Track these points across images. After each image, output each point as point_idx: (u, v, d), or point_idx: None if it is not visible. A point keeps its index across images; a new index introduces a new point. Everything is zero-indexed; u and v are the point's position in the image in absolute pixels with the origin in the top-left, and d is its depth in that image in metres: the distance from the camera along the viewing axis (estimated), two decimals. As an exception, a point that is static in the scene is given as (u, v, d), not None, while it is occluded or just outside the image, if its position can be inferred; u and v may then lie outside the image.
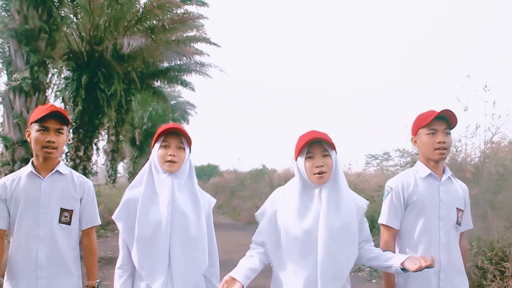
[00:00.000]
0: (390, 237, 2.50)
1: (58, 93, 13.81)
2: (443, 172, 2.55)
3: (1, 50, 7.83)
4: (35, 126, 2.46)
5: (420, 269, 2.04)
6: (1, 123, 7.89)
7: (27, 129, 2.56)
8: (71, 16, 10.52)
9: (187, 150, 2.37)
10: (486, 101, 6.93)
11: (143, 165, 2.51)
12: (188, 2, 14.40)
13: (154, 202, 2.29)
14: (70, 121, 2.60)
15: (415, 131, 2.57)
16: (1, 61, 7.88)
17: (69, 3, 8.73)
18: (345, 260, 2.19)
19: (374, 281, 6.65)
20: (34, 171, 2.50)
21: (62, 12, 8.63)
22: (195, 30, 16.48)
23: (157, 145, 2.35)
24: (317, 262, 2.12)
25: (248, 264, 2.21)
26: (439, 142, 2.45)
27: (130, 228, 2.29)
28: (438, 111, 2.44)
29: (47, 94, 8.20)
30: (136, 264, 2.26)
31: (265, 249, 2.29)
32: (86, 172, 14.82)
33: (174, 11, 14.40)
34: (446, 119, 2.47)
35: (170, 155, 2.29)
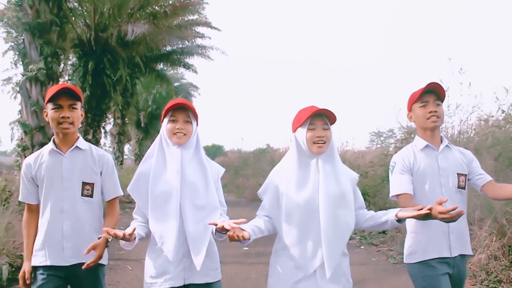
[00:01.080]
0: (410, 203, 2.47)
1: (69, 81, 14.27)
2: (441, 142, 2.69)
3: (16, 43, 8.36)
4: (50, 106, 2.55)
5: (415, 216, 2.17)
6: (20, 110, 8.45)
7: (44, 110, 2.64)
8: (76, 5, 10.92)
9: (194, 123, 2.47)
10: (461, 83, 7.42)
11: (149, 146, 2.58)
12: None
13: (165, 172, 2.40)
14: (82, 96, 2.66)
15: (409, 107, 2.73)
16: (17, 53, 8.41)
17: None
18: (345, 224, 2.29)
19: (362, 247, 7.25)
20: (55, 148, 2.59)
21: (70, 4, 9.09)
22: (197, 15, 16.89)
23: (165, 120, 2.45)
24: (319, 227, 2.23)
25: (254, 222, 2.32)
26: (430, 112, 2.59)
27: (144, 198, 2.41)
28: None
29: (60, 83, 8.76)
30: (151, 230, 2.39)
31: (271, 219, 2.39)
32: (95, 155, 15.44)
33: (176, -3, 14.84)
34: (435, 93, 2.62)
35: (178, 128, 2.41)
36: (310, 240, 2.25)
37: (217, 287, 2.45)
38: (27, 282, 2.53)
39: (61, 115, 2.51)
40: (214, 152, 42.87)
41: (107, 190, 2.67)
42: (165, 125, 2.44)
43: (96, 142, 15.73)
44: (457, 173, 2.61)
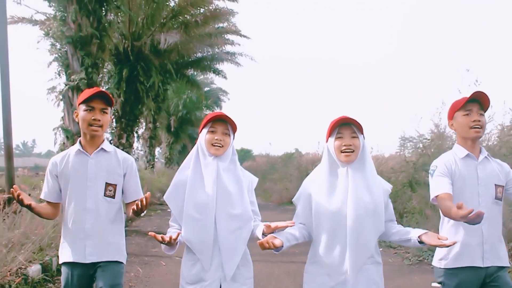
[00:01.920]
0: (449, 202, 2.46)
1: (105, 89, 14.94)
2: (480, 152, 2.65)
3: (60, 54, 9.01)
4: (82, 107, 2.60)
5: (437, 245, 2.18)
6: (62, 117, 9.08)
7: (75, 110, 2.70)
8: (114, 18, 11.57)
9: (232, 136, 2.49)
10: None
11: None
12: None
13: (201, 183, 2.43)
14: (114, 102, 2.73)
15: (451, 115, 2.69)
16: (61, 64, 9.05)
17: (114, 9, 9.75)
18: (372, 233, 2.32)
19: (381, 249, 7.49)
20: (82, 149, 2.64)
21: (108, 18, 9.70)
22: (226, 23, 17.42)
23: (204, 130, 2.47)
24: (346, 234, 2.28)
25: (289, 230, 2.35)
26: (474, 121, 2.55)
27: (179, 208, 2.44)
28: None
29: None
30: (185, 240, 2.41)
31: (305, 226, 2.45)
32: (128, 158, 16.08)
33: (207, 8, 15.41)
34: (479, 102, 2.57)
35: (216, 139, 2.42)
36: (338, 247, 2.30)
37: None
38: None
39: (92, 117, 2.58)
40: (243, 156, 42.87)
41: (129, 192, 2.72)
42: (204, 135, 2.46)
43: (130, 146, 16.37)
44: (495, 184, 2.58)
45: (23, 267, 4.64)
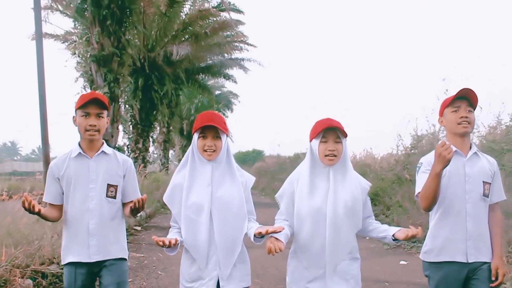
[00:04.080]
0: None
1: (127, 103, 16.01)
2: (470, 148, 2.64)
3: (85, 71, 10.18)
4: (79, 112, 2.62)
5: (406, 238, 2.29)
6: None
7: (74, 116, 2.71)
8: (131, 37, 12.69)
9: (223, 137, 2.47)
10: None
11: None
12: (226, 10, 16.24)
13: (197, 185, 2.45)
14: (109, 106, 2.76)
15: (441, 112, 2.70)
16: (86, 79, 10.22)
17: (132, 29, 10.89)
18: (350, 230, 2.43)
19: (367, 238, 8.46)
20: (82, 152, 2.66)
21: (127, 36, 10.83)
22: (233, 32, 18.48)
23: (196, 135, 2.47)
24: (326, 231, 2.39)
25: (284, 231, 2.38)
26: (461, 117, 2.56)
27: (178, 208, 2.48)
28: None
29: (120, 103, 10.52)
30: (183, 239, 2.45)
31: (289, 223, 2.52)
32: (145, 162, 17.15)
33: (215, 19, 16.49)
34: (468, 99, 2.58)
35: (208, 146, 2.42)
36: (317, 244, 2.41)
37: None
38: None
39: (88, 123, 2.60)
40: (254, 157, 43.68)
41: (128, 192, 2.77)
42: (195, 141, 2.47)
43: (146, 150, 17.44)
44: (483, 181, 2.59)
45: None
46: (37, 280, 4.41)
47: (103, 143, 2.73)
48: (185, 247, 2.47)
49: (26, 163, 56.00)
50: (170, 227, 2.55)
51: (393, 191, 9.12)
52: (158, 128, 24.55)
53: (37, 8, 8.85)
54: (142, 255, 6.78)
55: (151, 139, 18.75)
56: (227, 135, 2.51)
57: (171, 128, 26.02)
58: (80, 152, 2.66)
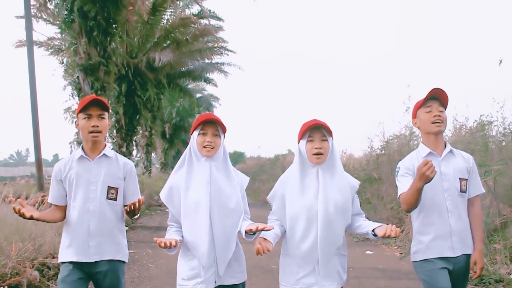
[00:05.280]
0: None
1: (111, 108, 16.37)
2: (445, 147, 2.71)
3: (73, 80, 10.66)
4: (81, 116, 2.68)
5: (384, 236, 2.31)
6: (76, 133, 10.67)
7: (76, 120, 2.77)
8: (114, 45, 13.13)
9: (222, 136, 2.54)
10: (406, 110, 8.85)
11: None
12: (206, 18, 16.83)
13: (195, 183, 2.50)
14: (110, 108, 2.83)
15: (414, 114, 2.77)
16: (74, 87, 10.67)
17: (116, 38, 11.39)
18: (339, 228, 2.48)
19: (356, 241, 8.75)
20: (84, 155, 2.72)
21: (112, 45, 11.34)
22: (213, 37, 19.07)
23: (195, 133, 2.52)
24: (317, 231, 2.43)
25: (274, 230, 2.44)
26: (434, 116, 2.62)
27: (177, 208, 2.53)
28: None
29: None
30: (184, 237, 2.51)
31: (281, 222, 2.58)
32: (128, 166, 17.47)
33: (196, 26, 17.04)
34: (439, 100, 2.66)
35: (207, 141, 2.47)
36: (309, 241, 2.45)
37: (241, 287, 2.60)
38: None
39: (91, 125, 2.66)
40: (235, 158, 43.27)
41: (129, 194, 2.81)
42: (195, 138, 2.52)
43: (129, 153, 17.72)
44: (459, 178, 2.66)
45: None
46: (43, 271, 4.95)
47: (105, 146, 2.80)
48: (185, 245, 2.52)
49: (5, 168, 55.38)
50: (167, 227, 2.61)
51: (364, 189, 9.84)
52: (140, 132, 24.98)
53: (27, 18, 9.35)
54: (133, 251, 7.31)
55: (134, 143, 19.16)
56: (224, 135, 2.59)
57: (153, 131, 26.34)
58: (82, 155, 2.72)
